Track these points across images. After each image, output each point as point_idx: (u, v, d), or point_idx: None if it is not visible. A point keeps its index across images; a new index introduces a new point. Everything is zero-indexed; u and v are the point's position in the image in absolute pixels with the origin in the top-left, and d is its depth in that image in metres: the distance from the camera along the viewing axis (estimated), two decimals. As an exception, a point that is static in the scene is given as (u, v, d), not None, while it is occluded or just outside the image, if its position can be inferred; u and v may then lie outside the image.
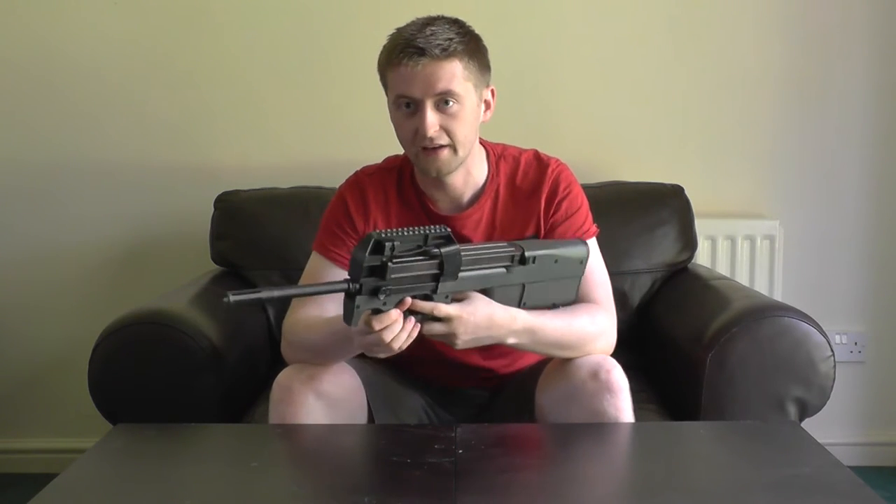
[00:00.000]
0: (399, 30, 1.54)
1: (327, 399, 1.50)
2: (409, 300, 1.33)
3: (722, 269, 2.44)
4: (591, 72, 2.49)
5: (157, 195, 2.51)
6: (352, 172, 1.73)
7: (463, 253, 1.35)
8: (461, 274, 1.36)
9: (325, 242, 1.64)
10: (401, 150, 1.70)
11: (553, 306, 1.52)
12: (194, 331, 1.76)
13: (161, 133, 2.50)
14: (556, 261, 1.49)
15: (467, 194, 1.64)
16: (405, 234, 1.29)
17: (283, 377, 1.52)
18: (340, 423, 1.50)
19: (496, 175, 1.65)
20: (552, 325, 1.49)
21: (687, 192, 2.30)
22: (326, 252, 1.63)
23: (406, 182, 1.67)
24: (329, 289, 1.32)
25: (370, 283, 1.29)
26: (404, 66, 1.49)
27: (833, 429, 2.42)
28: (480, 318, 1.40)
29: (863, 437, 2.60)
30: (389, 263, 1.27)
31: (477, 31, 1.58)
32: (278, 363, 1.64)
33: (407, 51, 1.49)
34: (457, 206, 1.65)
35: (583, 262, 1.54)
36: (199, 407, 1.74)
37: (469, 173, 1.63)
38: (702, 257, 2.44)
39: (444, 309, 1.37)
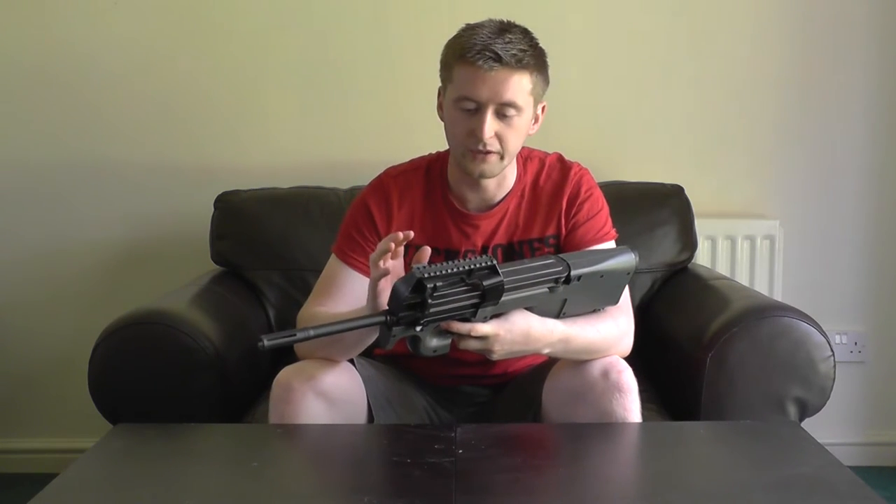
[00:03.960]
0: (474, 28, 1.54)
1: (327, 398, 1.50)
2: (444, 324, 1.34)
3: (722, 269, 2.44)
4: (591, 72, 2.49)
5: (157, 195, 2.51)
6: (352, 171, 1.73)
7: (506, 280, 1.34)
8: (503, 298, 1.36)
9: (344, 248, 1.65)
10: (412, 152, 1.71)
11: (594, 311, 1.53)
12: (194, 331, 1.76)
13: (161, 133, 2.50)
14: (602, 276, 1.47)
15: (498, 196, 1.66)
16: (449, 271, 1.28)
17: (283, 376, 1.52)
18: (340, 422, 1.50)
19: (523, 176, 1.67)
20: (584, 333, 1.49)
21: (687, 192, 2.30)
22: (345, 257, 1.64)
23: (434, 181, 1.67)
24: (367, 322, 1.30)
25: (409, 317, 1.29)
26: (478, 68, 1.50)
27: (833, 429, 2.42)
28: (517, 334, 1.41)
29: (863, 437, 2.60)
30: (430, 300, 1.27)
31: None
32: (279, 363, 1.64)
33: (484, 54, 1.49)
34: (485, 206, 1.66)
35: (630, 272, 1.51)
36: (199, 407, 1.74)
37: (504, 177, 1.65)
38: (702, 257, 2.44)
39: (480, 329, 1.37)
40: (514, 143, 1.57)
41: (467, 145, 1.55)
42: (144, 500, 1.23)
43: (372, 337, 1.47)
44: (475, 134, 1.53)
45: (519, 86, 1.52)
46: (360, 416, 1.56)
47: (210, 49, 2.48)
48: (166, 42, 2.47)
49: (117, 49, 2.47)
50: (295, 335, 1.23)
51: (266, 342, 1.21)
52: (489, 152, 1.54)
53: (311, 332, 1.25)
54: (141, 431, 1.49)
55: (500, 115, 1.53)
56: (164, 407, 1.73)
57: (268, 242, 2.24)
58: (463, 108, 1.54)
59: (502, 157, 1.56)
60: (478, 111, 1.53)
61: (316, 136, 2.50)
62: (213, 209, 2.29)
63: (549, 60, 1.61)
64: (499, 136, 1.54)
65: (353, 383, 1.56)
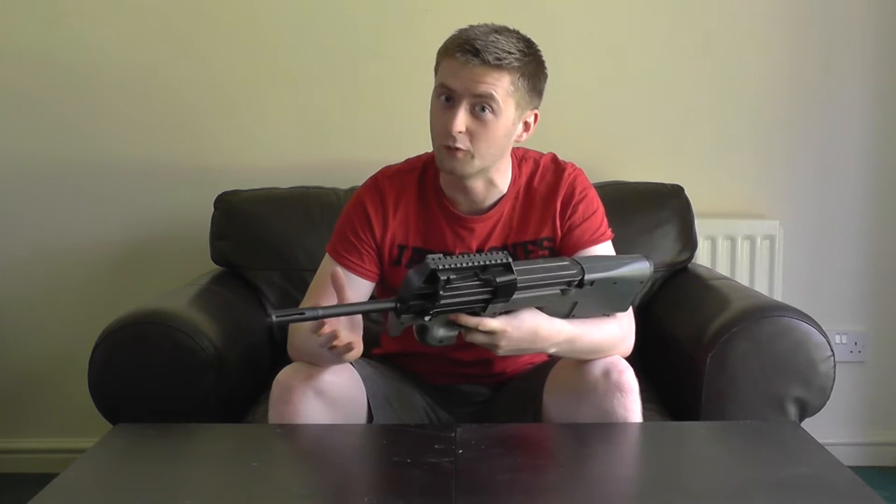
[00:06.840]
0: (467, 28, 1.55)
1: (327, 398, 1.50)
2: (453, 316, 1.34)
3: (722, 269, 2.44)
4: (591, 71, 2.49)
5: (157, 195, 2.51)
6: (352, 171, 1.73)
7: (519, 279, 1.34)
8: (514, 296, 1.36)
9: (339, 248, 1.64)
10: (412, 152, 1.70)
11: (604, 315, 1.52)
12: (194, 331, 1.76)
13: (161, 133, 2.50)
14: (615, 282, 1.47)
15: (489, 200, 1.65)
16: (463, 264, 1.28)
17: (283, 376, 1.52)
18: (340, 422, 1.51)
19: (518, 178, 1.66)
20: (590, 334, 1.49)
21: (687, 192, 2.30)
22: (339, 258, 1.63)
23: (428, 182, 1.67)
24: (376, 307, 1.31)
25: (418, 306, 1.30)
26: (455, 60, 1.51)
27: (833, 429, 2.42)
28: (525, 332, 1.41)
29: (863, 437, 2.60)
30: (441, 292, 1.28)
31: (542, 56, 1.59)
32: (279, 363, 1.64)
33: (464, 47, 1.50)
34: (478, 209, 1.65)
35: (643, 281, 1.50)
36: (199, 407, 1.74)
37: (492, 183, 1.63)
38: (702, 257, 2.44)
39: (489, 324, 1.37)
40: (487, 145, 1.54)
41: (440, 140, 1.55)
42: (144, 500, 1.23)
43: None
44: (447, 127, 1.52)
45: (496, 83, 1.50)
46: (360, 416, 1.56)
47: (210, 49, 2.48)
48: (166, 42, 2.47)
49: (117, 49, 2.47)
50: (304, 314, 1.24)
51: (274, 318, 1.21)
52: (458, 149, 1.53)
53: (320, 312, 1.26)
54: (141, 431, 1.49)
55: (475, 111, 1.52)
56: (164, 407, 1.73)
57: (268, 242, 2.24)
58: (440, 99, 1.54)
59: (473, 157, 1.54)
60: (454, 105, 1.52)
61: (316, 136, 2.50)
62: (213, 209, 2.29)
63: (550, 59, 1.61)
64: (470, 133, 1.52)
65: (352, 382, 1.56)
